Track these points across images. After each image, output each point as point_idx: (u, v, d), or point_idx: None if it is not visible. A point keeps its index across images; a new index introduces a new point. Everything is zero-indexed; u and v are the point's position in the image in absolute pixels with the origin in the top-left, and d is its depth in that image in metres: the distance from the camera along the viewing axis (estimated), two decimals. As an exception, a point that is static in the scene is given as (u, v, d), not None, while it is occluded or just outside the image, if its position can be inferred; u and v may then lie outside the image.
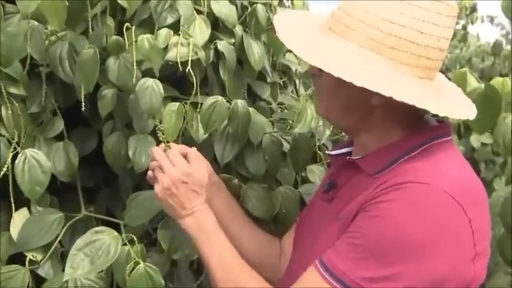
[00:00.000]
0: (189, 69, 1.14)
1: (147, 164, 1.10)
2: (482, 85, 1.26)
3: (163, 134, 1.03)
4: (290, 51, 1.59)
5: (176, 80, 1.23)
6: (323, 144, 1.35)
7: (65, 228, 1.07)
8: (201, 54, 1.19)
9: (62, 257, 1.07)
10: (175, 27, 1.18)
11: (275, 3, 1.44)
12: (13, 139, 1.07)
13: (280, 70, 1.63)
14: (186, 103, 1.18)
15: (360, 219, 0.81)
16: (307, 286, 0.83)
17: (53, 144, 1.13)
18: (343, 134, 1.36)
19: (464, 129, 3.23)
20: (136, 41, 1.10)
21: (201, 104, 1.16)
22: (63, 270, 1.00)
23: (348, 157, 0.94)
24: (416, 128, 0.88)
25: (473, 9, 5.73)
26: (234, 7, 1.31)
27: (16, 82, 1.08)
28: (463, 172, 0.84)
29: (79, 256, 1.00)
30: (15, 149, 1.06)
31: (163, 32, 1.15)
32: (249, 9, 1.36)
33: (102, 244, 1.01)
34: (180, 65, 1.14)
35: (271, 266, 1.06)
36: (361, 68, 0.80)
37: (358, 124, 0.90)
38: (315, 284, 0.81)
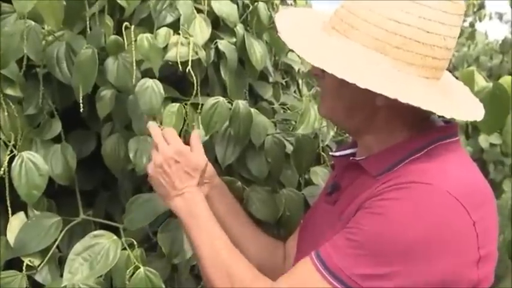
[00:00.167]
0: (189, 69, 1.14)
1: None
2: (491, 84, 1.26)
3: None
4: (292, 50, 1.60)
5: (176, 81, 1.23)
6: (327, 145, 1.35)
7: (63, 232, 1.08)
8: (202, 54, 1.19)
9: (60, 262, 1.07)
10: (175, 26, 1.18)
11: (277, 1, 1.44)
12: (9, 142, 1.07)
13: (282, 70, 1.63)
14: (186, 104, 1.18)
15: (359, 215, 0.82)
16: (300, 277, 0.83)
17: (51, 147, 1.13)
18: (347, 135, 1.36)
19: (472, 129, 3.22)
20: (135, 41, 1.10)
21: (202, 104, 1.16)
22: (61, 275, 1.01)
23: (351, 158, 0.95)
24: (422, 128, 0.88)
25: (481, 6, 5.73)
26: (235, 5, 1.31)
27: (12, 83, 1.09)
28: (468, 173, 0.84)
29: (77, 261, 1.01)
30: (11, 151, 1.06)
31: (163, 31, 1.16)
32: (251, 7, 1.36)
33: (101, 248, 1.02)
34: (180, 65, 1.14)
35: (276, 269, 1.06)
36: (365, 69, 0.80)
37: (362, 125, 0.90)
38: (307, 275, 0.81)
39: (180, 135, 1.15)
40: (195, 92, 1.17)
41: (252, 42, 1.31)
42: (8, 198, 1.05)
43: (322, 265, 0.80)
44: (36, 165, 1.06)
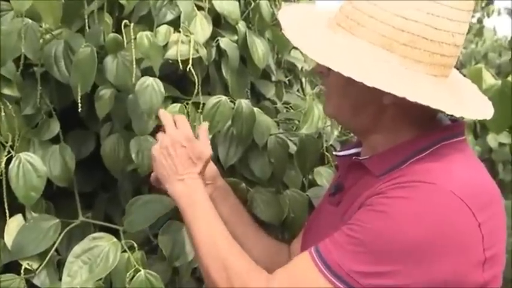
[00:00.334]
0: (190, 68, 1.14)
1: (150, 166, 1.11)
2: (499, 82, 1.27)
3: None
4: (296, 48, 1.60)
5: (177, 79, 1.24)
6: (331, 145, 1.36)
7: (61, 235, 1.08)
8: (203, 52, 1.19)
9: (59, 265, 1.08)
10: (175, 23, 1.18)
11: (280, -2, 1.45)
12: (7, 142, 1.07)
13: (285, 68, 1.63)
14: (187, 103, 1.18)
15: (361, 212, 0.82)
16: (297, 271, 0.84)
17: (49, 148, 1.14)
18: (352, 134, 1.37)
19: (480, 128, 3.22)
20: (135, 39, 1.10)
21: (203, 104, 1.17)
22: (60, 279, 1.01)
23: (354, 157, 0.95)
24: (429, 127, 0.88)
25: (490, 1, 5.72)
26: (236, 2, 1.31)
27: (9, 83, 1.09)
28: (474, 173, 0.84)
29: (76, 264, 1.01)
30: (9, 152, 1.07)
31: (163, 29, 1.16)
32: (252, 4, 1.36)
33: (100, 251, 1.02)
34: (180, 64, 1.14)
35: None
36: (372, 67, 0.80)
37: (368, 124, 0.90)
38: (305, 270, 0.82)
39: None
40: (196, 91, 1.17)
41: (254, 39, 1.31)
42: (5, 200, 1.05)
43: (321, 260, 0.81)
44: (34, 166, 1.06)
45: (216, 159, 1.18)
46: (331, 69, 0.81)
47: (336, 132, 1.33)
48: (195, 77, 1.16)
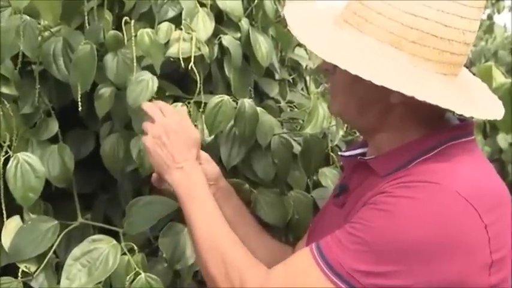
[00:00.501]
0: (191, 66, 1.14)
1: (151, 167, 1.11)
2: (510, 80, 1.27)
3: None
4: (300, 45, 1.60)
5: (178, 78, 1.24)
6: (336, 145, 1.36)
7: (60, 237, 1.08)
8: (205, 50, 1.19)
9: (57, 268, 1.08)
10: (176, 21, 1.18)
11: (283, -6, 1.45)
12: (4, 142, 1.08)
13: (289, 66, 1.63)
14: (189, 102, 1.18)
15: (364, 211, 0.82)
16: (296, 267, 0.84)
17: (47, 147, 1.14)
18: (358, 134, 1.37)
19: (490, 128, 3.21)
20: (135, 36, 1.10)
21: (205, 103, 1.17)
22: (59, 282, 1.01)
23: (359, 157, 0.95)
24: (436, 127, 0.88)
25: (500, -3, 5.70)
26: (239, -1, 1.32)
27: (7, 81, 1.09)
28: (482, 174, 0.84)
29: (75, 267, 1.01)
30: (6, 152, 1.07)
31: (164, 26, 1.16)
32: (256, 1, 1.36)
33: (100, 254, 1.02)
34: (182, 62, 1.14)
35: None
36: (380, 65, 0.80)
37: (374, 123, 0.90)
38: (305, 267, 0.82)
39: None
40: (198, 90, 1.17)
41: (258, 37, 1.31)
42: (2, 201, 1.06)
43: (321, 258, 0.81)
44: (32, 166, 1.07)
45: (218, 160, 1.18)
46: (338, 67, 0.81)
47: (341, 132, 1.33)
48: (197, 76, 1.16)
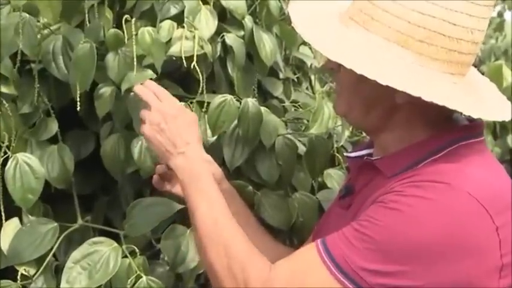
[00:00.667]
0: (194, 65, 1.15)
1: (152, 168, 1.11)
2: (520, 79, 1.27)
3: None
4: (304, 43, 1.61)
5: (180, 77, 1.24)
6: (342, 146, 1.36)
7: (59, 239, 1.09)
8: (208, 49, 1.20)
9: (57, 271, 1.08)
10: (179, 18, 1.19)
11: (288, -8, 1.45)
12: (3, 142, 1.08)
13: (293, 65, 1.64)
14: (191, 102, 1.19)
15: (372, 209, 0.82)
16: (301, 263, 0.84)
17: (47, 148, 1.15)
18: (364, 134, 1.38)
19: (500, 129, 3.21)
20: (136, 35, 1.10)
21: (208, 103, 1.17)
22: (58, 285, 1.02)
23: (365, 158, 0.95)
24: (444, 127, 0.88)
25: (511, -7, 5.68)
26: (243, -4, 1.33)
27: (6, 80, 1.09)
28: (493, 176, 0.84)
29: (75, 270, 1.02)
30: (5, 153, 1.07)
31: (166, 24, 1.16)
32: (260, -2, 1.38)
33: (100, 256, 1.03)
34: (184, 61, 1.14)
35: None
36: (386, 64, 0.81)
37: (380, 123, 0.91)
38: (310, 263, 0.82)
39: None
40: (200, 89, 1.17)
41: (261, 35, 1.32)
42: (1, 202, 1.06)
43: (327, 254, 0.81)
44: (31, 167, 1.07)
45: (221, 160, 1.19)
46: (343, 66, 0.81)
47: (347, 133, 1.33)
48: (200, 75, 1.16)
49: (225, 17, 1.33)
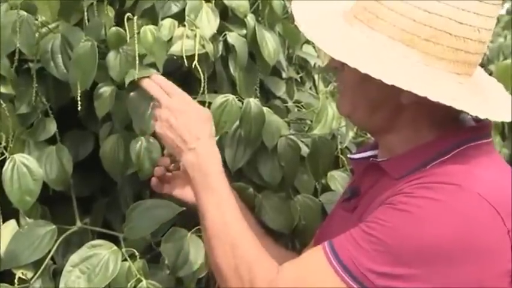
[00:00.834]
0: (195, 64, 1.15)
1: (152, 169, 1.12)
2: (529, 79, 1.27)
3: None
4: (308, 42, 1.61)
5: (181, 77, 1.24)
6: (346, 147, 1.36)
7: (58, 242, 1.09)
8: (209, 48, 1.20)
9: (55, 275, 1.09)
10: (180, 17, 1.19)
11: (291, -11, 1.45)
12: (0, 143, 1.09)
13: (297, 64, 1.64)
14: (192, 102, 1.20)
15: (380, 210, 0.82)
16: (308, 266, 0.85)
17: (45, 149, 1.15)
18: (369, 135, 1.38)
19: (508, 129, 3.21)
20: (138, 33, 1.10)
21: (210, 103, 1.17)
22: (56, 289, 1.03)
23: (371, 159, 0.96)
24: (451, 128, 0.89)
25: (519, -10, 5.68)
26: (245, -6, 1.33)
27: (3, 80, 1.10)
28: (502, 177, 0.85)
29: (74, 273, 1.02)
30: (2, 154, 1.08)
31: (167, 22, 1.16)
32: (262, -4, 1.38)
33: (99, 260, 1.03)
34: (185, 60, 1.15)
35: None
36: (390, 63, 0.81)
37: (385, 124, 0.91)
38: (317, 266, 0.83)
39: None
40: (202, 89, 1.17)
41: (264, 34, 1.32)
42: (-2, 204, 1.07)
43: (335, 256, 0.82)
44: (29, 168, 1.07)
45: (222, 162, 1.19)
46: (346, 65, 0.82)
47: (351, 133, 1.33)
48: (201, 74, 1.16)
49: (226, 16, 1.33)
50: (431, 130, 0.89)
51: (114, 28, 1.13)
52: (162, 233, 1.11)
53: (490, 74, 0.99)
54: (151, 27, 1.12)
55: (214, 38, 1.25)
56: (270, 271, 0.87)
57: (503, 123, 3.11)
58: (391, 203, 0.82)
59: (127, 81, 1.06)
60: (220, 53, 1.29)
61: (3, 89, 1.10)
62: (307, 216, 1.23)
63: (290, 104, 1.49)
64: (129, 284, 1.02)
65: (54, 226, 1.10)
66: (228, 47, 1.30)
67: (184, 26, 1.18)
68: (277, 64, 1.42)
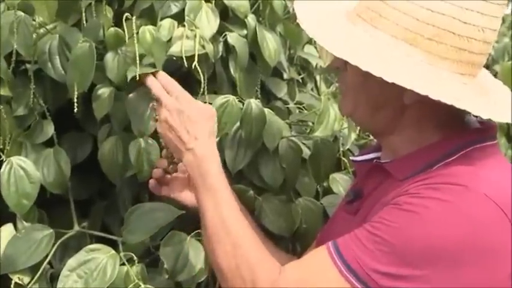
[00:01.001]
0: (195, 65, 1.15)
1: (150, 172, 1.12)
2: (535, 80, 1.27)
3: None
4: (310, 43, 1.61)
5: (181, 77, 1.24)
6: (348, 149, 1.36)
7: (55, 246, 1.09)
8: (209, 48, 1.20)
9: (52, 280, 1.09)
10: (179, 17, 1.19)
11: (292, -11, 1.45)
12: (-3, 145, 1.09)
13: (298, 65, 1.64)
14: (192, 103, 1.20)
15: (385, 211, 0.83)
16: (312, 266, 0.85)
17: (42, 151, 1.15)
18: (372, 137, 1.38)
19: (514, 131, 3.20)
20: (137, 34, 1.10)
21: (210, 104, 1.18)
22: (54, 294, 1.03)
23: (375, 161, 0.96)
24: (455, 129, 0.89)
25: (525, -10, 5.67)
26: (245, -6, 1.33)
27: (0, 81, 1.10)
28: (508, 179, 0.85)
29: (71, 278, 1.02)
30: (-1, 156, 1.08)
31: (167, 23, 1.16)
32: (263, -4, 1.38)
33: (97, 264, 1.03)
34: (185, 61, 1.15)
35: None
36: (392, 61, 0.81)
37: (387, 125, 0.91)
38: (321, 266, 0.83)
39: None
40: (202, 90, 1.18)
41: (265, 34, 1.32)
42: (-5, 208, 1.07)
43: (339, 256, 0.82)
44: (26, 171, 1.07)
45: (223, 164, 1.19)
46: (349, 64, 0.82)
47: (353, 135, 1.33)
48: (201, 75, 1.16)
49: (227, 16, 1.33)
50: (436, 131, 0.89)
51: (112, 29, 1.13)
52: (161, 237, 1.11)
53: (495, 74, 0.99)
54: (150, 27, 1.12)
55: (214, 39, 1.25)
56: (272, 271, 0.87)
57: (508, 125, 3.11)
58: (397, 203, 0.82)
59: (129, 77, 1.06)
60: (220, 53, 1.29)
61: (0, 91, 1.10)
62: (308, 219, 1.23)
63: (291, 105, 1.49)
64: (127, 289, 1.02)
65: (51, 230, 1.10)
66: (228, 48, 1.30)
67: (184, 26, 1.18)
68: (278, 65, 1.42)
